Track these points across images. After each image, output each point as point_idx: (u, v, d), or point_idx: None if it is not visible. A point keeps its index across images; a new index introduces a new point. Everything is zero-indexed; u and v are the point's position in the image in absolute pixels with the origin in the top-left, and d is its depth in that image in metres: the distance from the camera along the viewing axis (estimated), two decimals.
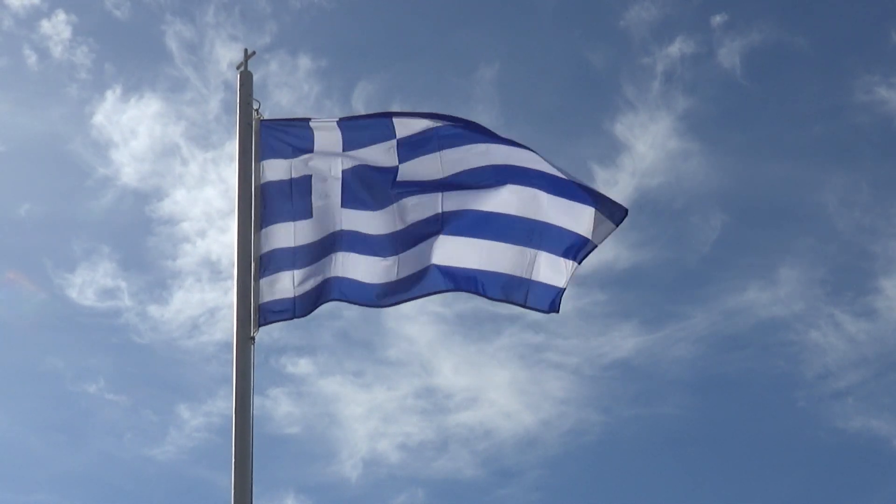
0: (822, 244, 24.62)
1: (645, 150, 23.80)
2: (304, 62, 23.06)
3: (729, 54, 24.01)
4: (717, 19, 24.17)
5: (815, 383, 23.50)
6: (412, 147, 9.18)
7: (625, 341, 23.88)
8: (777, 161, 25.42)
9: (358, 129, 9.23)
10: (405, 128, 9.19)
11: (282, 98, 22.27)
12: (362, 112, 22.67)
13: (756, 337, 24.10)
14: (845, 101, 24.63)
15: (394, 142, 9.18)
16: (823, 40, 25.42)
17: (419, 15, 25.07)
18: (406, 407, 23.42)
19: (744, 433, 23.72)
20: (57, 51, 22.95)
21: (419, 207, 9.10)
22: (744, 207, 25.20)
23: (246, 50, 9.32)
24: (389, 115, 9.26)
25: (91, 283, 22.99)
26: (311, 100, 23.24)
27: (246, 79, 9.24)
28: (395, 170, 9.14)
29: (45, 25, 22.70)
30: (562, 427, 23.17)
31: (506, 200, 9.12)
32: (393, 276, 9.00)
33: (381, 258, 9.01)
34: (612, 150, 23.58)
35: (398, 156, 9.16)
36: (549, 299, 9.06)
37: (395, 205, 9.10)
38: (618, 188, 23.31)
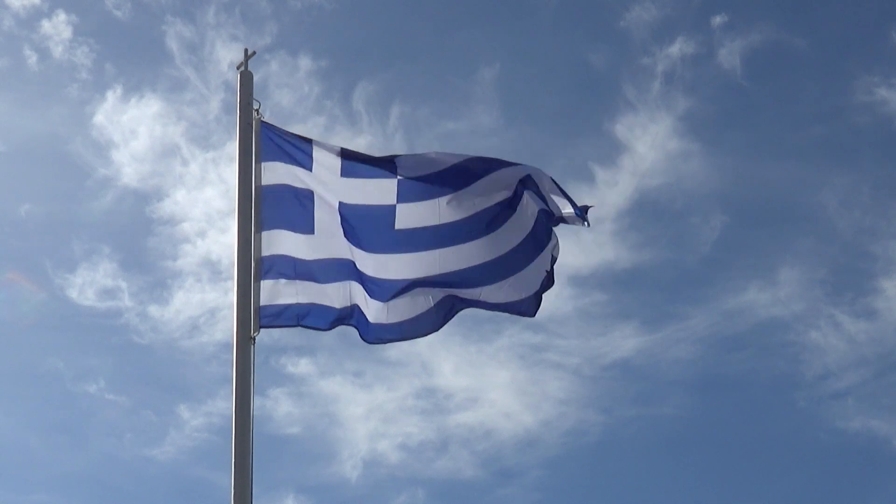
0: (822, 245, 24.65)
1: (645, 150, 23.82)
2: (305, 63, 23.09)
3: (729, 55, 24.05)
4: (718, 20, 24.20)
5: (815, 384, 23.52)
6: (413, 190, 9.15)
7: (625, 342, 23.90)
8: (777, 162, 25.46)
9: (359, 162, 9.19)
10: (408, 169, 9.16)
11: (282, 98, 22.30)
12: (362, 112, 22.67)
13: (756, 337, 24.13)
14: (845, 101, 24.66)
15: (395, 181, 9.15)
16: (823, 41, 25.46)
17: (419, 16, 25.11)
18: (406, 407, 23.44)
19: (744, 434, 23.75)
20: (57, 51, 22.98)
21: (417, 263, 9.09)
22: (744, 208, 25.22)
23: (246, 50, 9.32)
24: (393, 158, 9.23)
25: (91, 284, 23.01)
26: (312, 100, 23.27)
27: (246, 79, 9.23)
28: (392, 209, 9.13)
29: (46, 26, 22.73)
30: (562, 427, 23.19)
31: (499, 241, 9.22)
32: (383, 319, 9.01)
33: (379, 301, 9.00)
34: (612, 151, 23.60)
35: (397, 195, 9.15)
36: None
37: (394, 255, 9.07)
38: (618, 189, 23.34)
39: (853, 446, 22.78)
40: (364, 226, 9.06)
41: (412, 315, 9.06)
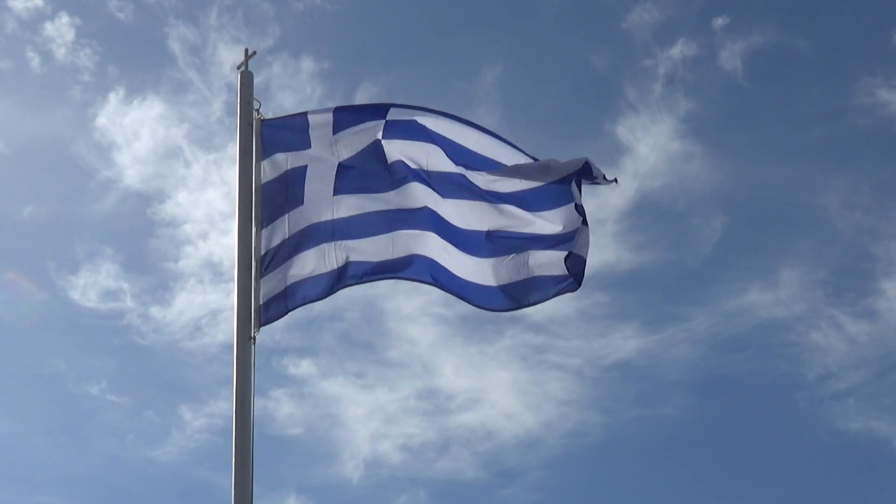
0: (823, 246, 24.66)
1: (647, 152, 23.84)
2: (307, 64, 23.10)
3: (730, 57, 24.06)
4: (719, 21, 24.22)
5: (816, 384, 23.53)
6: (398, 129, 9.16)
7: (626, 342, 23.91)
8: (778, 163, 25.46)
9: (350, 113, 9.23)
10: (398, 114, 9.19)
11: (284, 100, 22.31)
12: None
13: (757, 338, 24.14)
14: (846, 103, 24.67)
15: (381, 122, 9.15)
16: (824, 43, 25.45)
17: (422, 18, 25.11)
18: (408, 408, 23.46)
19: (745, 434, 23.76)
20: (60, 53, 22.99)
21: (410, 195, 9.12)
22: (745, 209, 25.23)
23: (246, 50, 9.31)
24: (387, 106, 9.25)
25: (94, 285, 23.03)
26: (314, 102, 23.28)
27: (246, 79, 9.23)
28: (378, 143, 9.13)
29: (49, 28, 22.74)
30: (563, 428, 23.20)
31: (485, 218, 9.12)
32: (389, 255, 9.03)
33: (382, 234, 9.03)
34: (613, 153, 23.60)
35: (382, 132, 9.14)
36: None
37: (393, 191, 9.11)
38: (619, 190, 23.31)
39: (854, 447, 22.81)
40: (365, 168, 9.10)
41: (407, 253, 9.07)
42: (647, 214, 24.21)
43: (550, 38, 24.94)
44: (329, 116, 9.19)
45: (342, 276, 9.00)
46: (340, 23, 24.05)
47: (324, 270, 9.00)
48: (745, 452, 23.32)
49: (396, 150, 9.14)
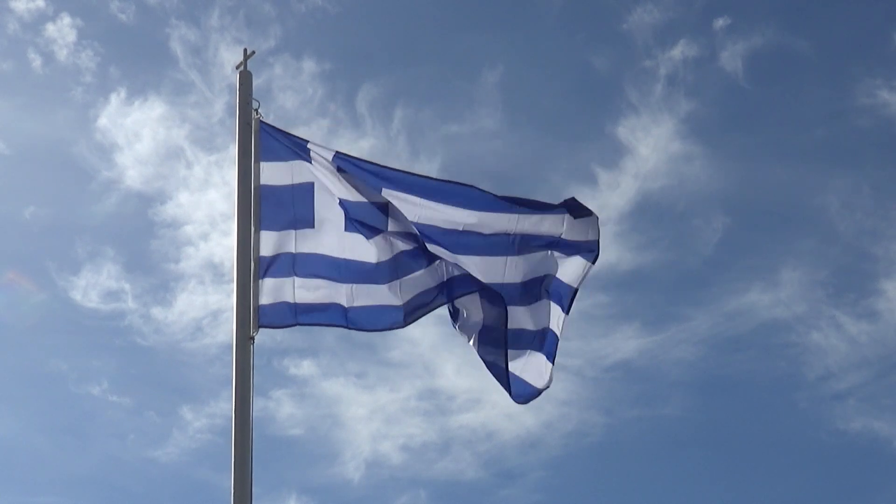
0: (823, 246, 24.69)
1: (647, 152, 23.86)
2: (309, 65, 23.13)
3: (731, 57, 24.07)
4: (720, 22, 24.23)
5: (817, 385, 23.56)
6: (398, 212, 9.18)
7: (627, 343, 23.92)
8: (779, 164, 25.48)
9: (352, 166, 9.19)
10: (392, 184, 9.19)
11: (286, 101, 22.35)
12: (366, 115, 22.73)
13: (758, 338, 24.17)
14: (847, 104, 24.68)
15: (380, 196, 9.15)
16: (826, 44, 25.48)
17: (423, 19, 25.14)
18: (408, 408, 23.48)
19: (745, 434, 23.79)
20: (62, 54, 23.02)
21: (409, 240, 9.09)
22: (746, 210, 25.26)
23: (245, 50, 9.31)
24: (384, 169, 9.23)
25: (95, 286, 23.06)
26: (315, 103, 23.31)
27: (245, 78, 9.23)
28: (385, 206, 9.11)
29: (50, 29, 22.77)
30: (564, 428, 23.21)
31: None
32: (398, 301, 9.02)
33: (381, 285, 9.01)
34: (614, 153, 23.65)
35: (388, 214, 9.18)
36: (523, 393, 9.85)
37: (383, 235, 9.07)
38: (620, 190, 23.38)
39: (854, 447, 22.83)
40: (361, 217, 9.08)
41: (422, 290, 9.06)
42: (647, 215, 24.26)
43: (551, 39, 24.97)
44: (331, 152, 9.14)
45: (347, 316, 8.99)
46: (342, 24, 24.10)
47: (330, 300, 8.98)
48: (745, 453, 23.36)
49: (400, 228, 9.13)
